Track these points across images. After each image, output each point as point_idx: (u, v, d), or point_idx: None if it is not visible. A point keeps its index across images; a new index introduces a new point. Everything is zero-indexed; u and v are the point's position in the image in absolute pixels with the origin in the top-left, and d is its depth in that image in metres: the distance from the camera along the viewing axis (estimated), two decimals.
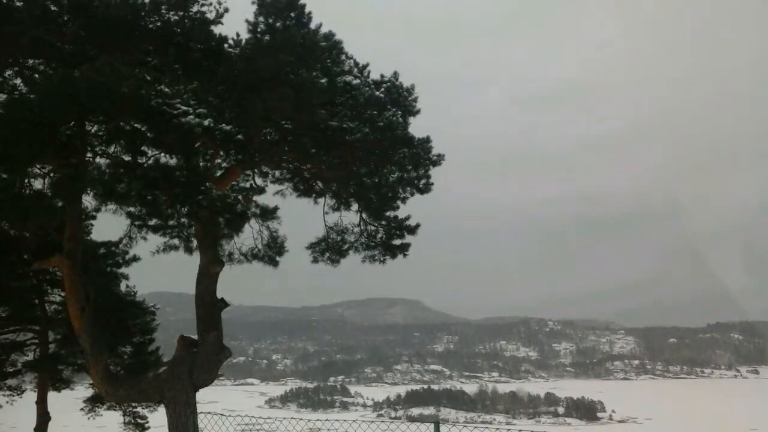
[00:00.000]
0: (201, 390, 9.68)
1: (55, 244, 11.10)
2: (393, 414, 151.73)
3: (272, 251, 12.15)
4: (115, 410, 17.05)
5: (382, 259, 11.65)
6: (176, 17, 8.89)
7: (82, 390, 17.62)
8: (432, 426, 7.60)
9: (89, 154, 9.87)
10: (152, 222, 11.18)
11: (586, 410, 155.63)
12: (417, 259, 12.69)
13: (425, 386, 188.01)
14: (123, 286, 16.50)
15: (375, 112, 10.15)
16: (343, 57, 9.98)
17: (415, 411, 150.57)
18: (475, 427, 8.39)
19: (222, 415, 9.00)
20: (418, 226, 11.43)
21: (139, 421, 17.28)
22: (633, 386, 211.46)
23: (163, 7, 8.77)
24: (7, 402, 17.26)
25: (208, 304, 9.99)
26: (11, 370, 16.70)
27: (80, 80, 7.70)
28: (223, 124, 8.83)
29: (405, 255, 11.61)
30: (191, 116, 8.40)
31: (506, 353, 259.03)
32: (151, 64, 9.01)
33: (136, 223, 11.39)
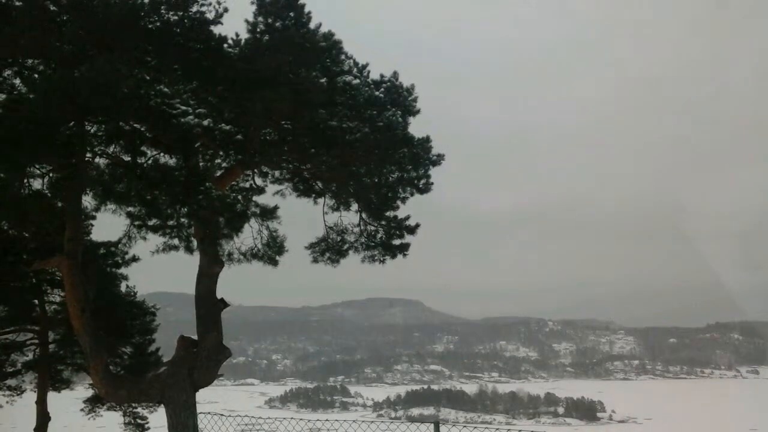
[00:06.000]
0: (201, 390, 9.67)
1: (55, 244, 11.08)
2: (393, 414, 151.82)
3: (272, 251, 12.13)
4: (115, 410, 17.05)
5: (382, 259, 11.63)
6: (176, 17, 8.87)
7: (82, 390, 17.61)
8: (432, 426, 7.60)
9: (89, 154, 9.87)
10: (152, 222, 11.16)
11: (586, 410, 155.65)
12: (417, 259, 12.66)
13: (425, 386, 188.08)
14: (123, 287, 16.52)
15: (375, 112, 10.13)
16: (343, 57, 9.95)
17: (415, 411, 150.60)
18: (475, 427, 8.37)
19: (222, 415, 9.02)
20: (417, 226, 11.39)
21: (139, 421, 17.28)
22: (633, 386, 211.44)
23: (162, 7, 8.75)
24: (7, 402, 17.26)
25: (208, 304, 9.99)
26: (11, 370, 16.72)
27: (80, 80, 7.69)
28: (223, 124, 8.85)
29: (405, 255, 11.58)
30: (191, 116, 8.42)
31: (506, 353, 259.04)
32: (150, 64, 8.98)
33: (136, 223, 11.38)
